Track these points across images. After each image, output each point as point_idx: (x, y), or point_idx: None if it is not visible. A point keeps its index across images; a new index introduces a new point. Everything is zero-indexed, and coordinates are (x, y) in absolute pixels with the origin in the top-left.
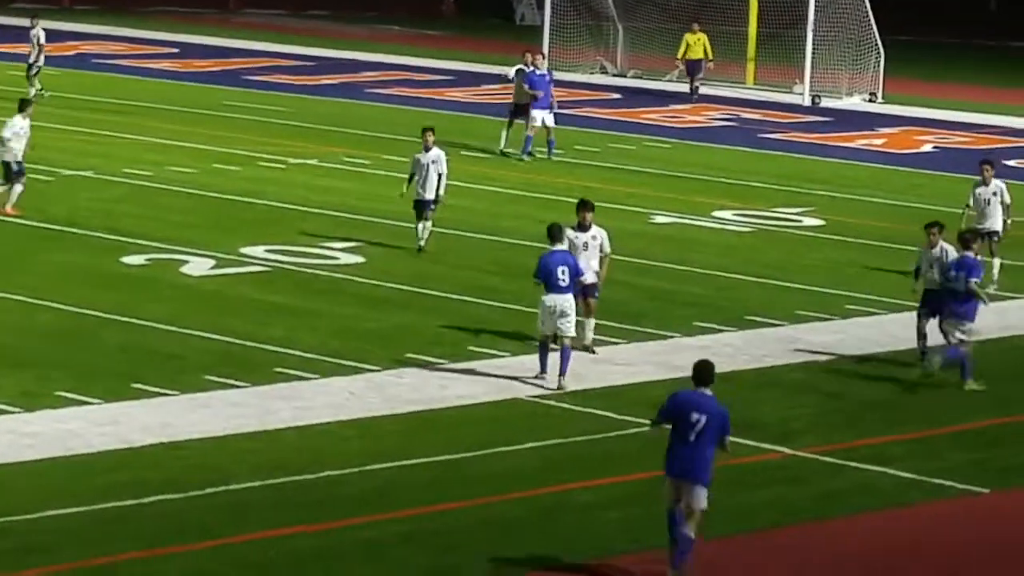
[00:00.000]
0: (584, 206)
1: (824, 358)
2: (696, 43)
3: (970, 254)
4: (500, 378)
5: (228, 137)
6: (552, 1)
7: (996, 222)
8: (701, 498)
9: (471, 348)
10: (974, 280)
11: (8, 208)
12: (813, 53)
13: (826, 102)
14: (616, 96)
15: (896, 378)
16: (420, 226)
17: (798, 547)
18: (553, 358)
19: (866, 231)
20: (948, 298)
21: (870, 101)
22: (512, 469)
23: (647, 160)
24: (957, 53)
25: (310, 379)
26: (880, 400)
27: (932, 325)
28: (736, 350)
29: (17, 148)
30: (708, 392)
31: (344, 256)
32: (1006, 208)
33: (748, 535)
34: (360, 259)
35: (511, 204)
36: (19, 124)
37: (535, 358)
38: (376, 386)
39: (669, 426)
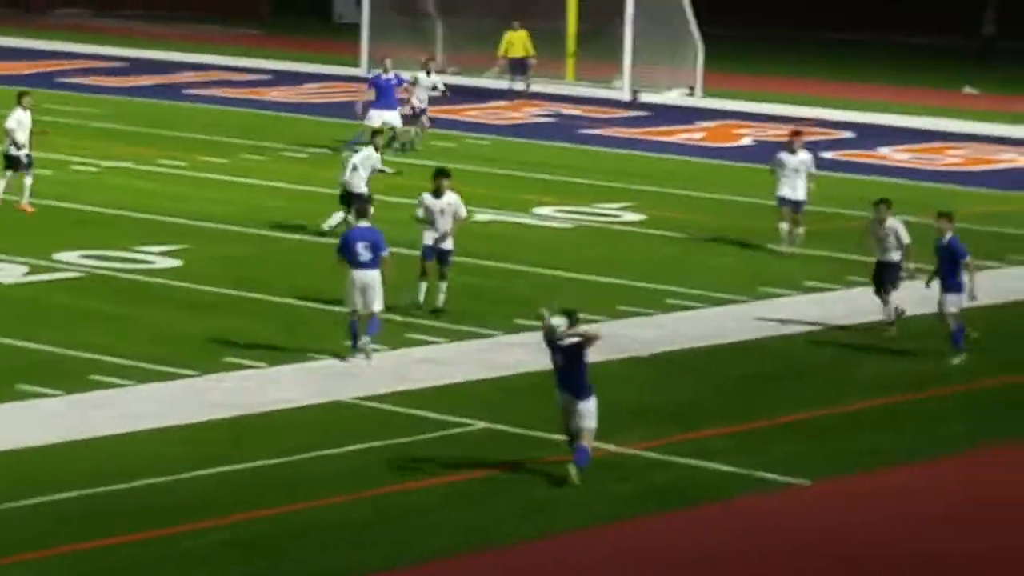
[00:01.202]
0: (441, 174)
1: (647, 353)
2: (517, 41)
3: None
4: (322, 380)
5: (40, 141)
6: None
7: (801, 191)
8: (588, 417)
9: (292, 351)
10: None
11: (24, 204)
12: (632, 48)
13: (645, 97)
14: (436, 93)
15: (718, 372)
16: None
17: (623, 543)
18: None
19: (686, 225)
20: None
21: (689, 95)
22: (336, 472)
23: (467, 157)
24: (774, 46)
25: (128, 386)
26: (703, 394)
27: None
28: None
29: (22, 139)
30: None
31: (161, 260)
32: (811, 179)
33: (573, 532)
34: (177, 263)
35: (332, 204)
36: (20, 114)
37: (359, 361)
38: (196, 392)
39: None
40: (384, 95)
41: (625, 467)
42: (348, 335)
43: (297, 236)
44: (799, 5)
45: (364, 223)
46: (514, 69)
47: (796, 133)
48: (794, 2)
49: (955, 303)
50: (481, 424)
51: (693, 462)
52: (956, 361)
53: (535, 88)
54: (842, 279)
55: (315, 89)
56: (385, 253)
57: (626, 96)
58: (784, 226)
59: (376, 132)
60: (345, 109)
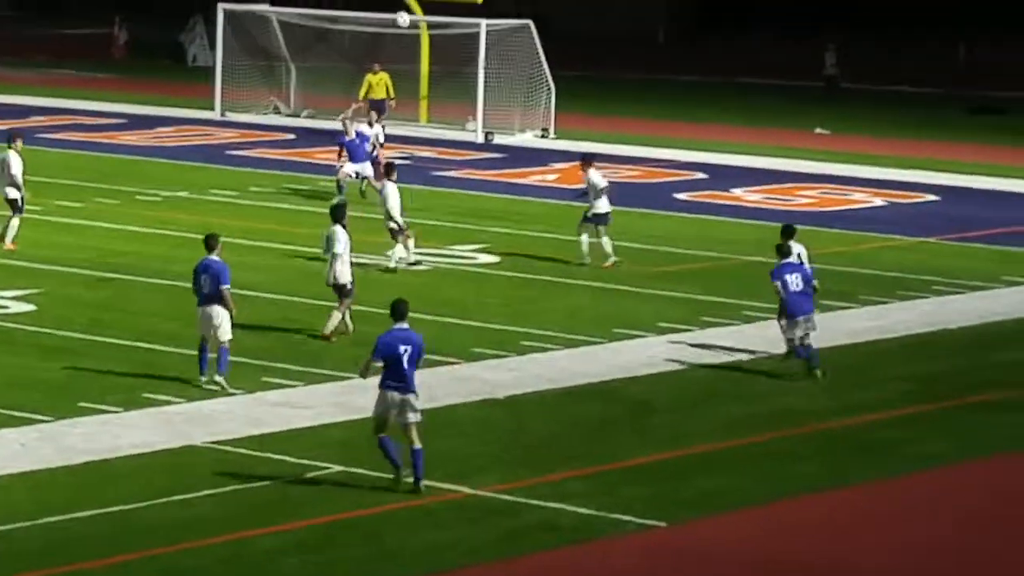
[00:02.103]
0: (335, 210)
1: (501, 395)
2: (378, 83)
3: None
4: (176, 425)
5: None
6: (224, 42)
7: (605, 205)
8: (415, 410)
9: (146, 395)
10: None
11: (9, 243)
12: (485, 90)
13: (499, 139)
14: (290, 136)
15: (573, 414)
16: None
17: None
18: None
19: (540, 267)
20: (803, 300)
21: (542, 137)
22: (190, 517)
23: (321, 199)
24: (626, 87)
25: None
26: (558, 436)
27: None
28: None
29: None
30: (406, 325)
31: (14, 305)
32: (599, 192)
33: None
34: (31, 307)
35: (185, 248)
36: (14, 157)
37: (212, 403)
38: (49, 437)
39: (381, 363)
40: (355, 153)
41: (481, 510)
42: (199, 361)
43: (152, 279)
44: (649, 45)
45: (211, 256)
46: (372, 110)
47: (586, 159)
48: (644, 42)
49: (807, 323)
50: (337, 467)
51: (549, 504)
52: (820, 375)
53: (387, 130)
54: (696, 320)
55: (169, 132)
56: (225, 286)
57: (479, 138)
58: (584, 238)
59: (388, 168)
60: (198, 152)
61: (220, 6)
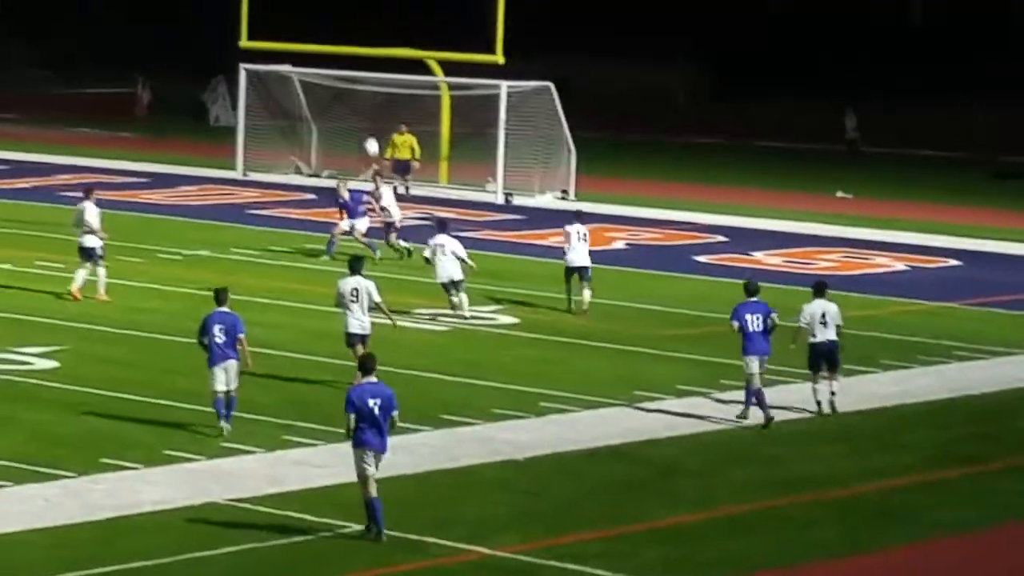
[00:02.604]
0: (356, 262)
1: (520, 456)
2: (403, 144)
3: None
4: (197, 482)
5: None
6: (246, 103)
7: (586, 258)
8: (376, 467)
9: (167, 452)
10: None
11: (101, 294)
12: (505, 152)
13: (519, 200)
14: (311, 196)
15: (592, 475)
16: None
17: None
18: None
19: (560, 328)
20: (762, 340)
21: (562, 199)
22: (211, 575)
23: (340, 259)
24: (646, 149)
25: (3, 487)
26: (577, 497)
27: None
28: (433, 450)
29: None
30: (374, 379)
31: (38, 361)
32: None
33: None
34: (55, 364)
35: (207, 305)
36: (90, 207)
37: (232, 460)
38: (72, 492)
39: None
40: (352, 210)
41: (499, 571)
42: (216, 413)
43: (173, 337)
44: (669, 108)
45: (222, 308)
46: (397, 170)
47: (579, 214)
48: (664, 105)
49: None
50: (356, 527)
51: (568, 566)
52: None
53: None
54: (715, 383)
55: (191, 191)
56: (241, 335)
57: (499, 199)
58: (576, 292)
59: (442, 222)
60: (219, 211)
61: (242, 67)
